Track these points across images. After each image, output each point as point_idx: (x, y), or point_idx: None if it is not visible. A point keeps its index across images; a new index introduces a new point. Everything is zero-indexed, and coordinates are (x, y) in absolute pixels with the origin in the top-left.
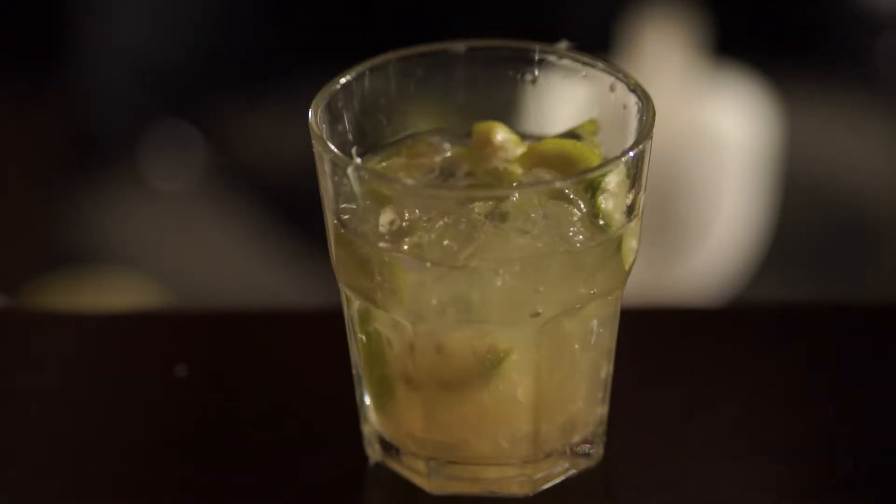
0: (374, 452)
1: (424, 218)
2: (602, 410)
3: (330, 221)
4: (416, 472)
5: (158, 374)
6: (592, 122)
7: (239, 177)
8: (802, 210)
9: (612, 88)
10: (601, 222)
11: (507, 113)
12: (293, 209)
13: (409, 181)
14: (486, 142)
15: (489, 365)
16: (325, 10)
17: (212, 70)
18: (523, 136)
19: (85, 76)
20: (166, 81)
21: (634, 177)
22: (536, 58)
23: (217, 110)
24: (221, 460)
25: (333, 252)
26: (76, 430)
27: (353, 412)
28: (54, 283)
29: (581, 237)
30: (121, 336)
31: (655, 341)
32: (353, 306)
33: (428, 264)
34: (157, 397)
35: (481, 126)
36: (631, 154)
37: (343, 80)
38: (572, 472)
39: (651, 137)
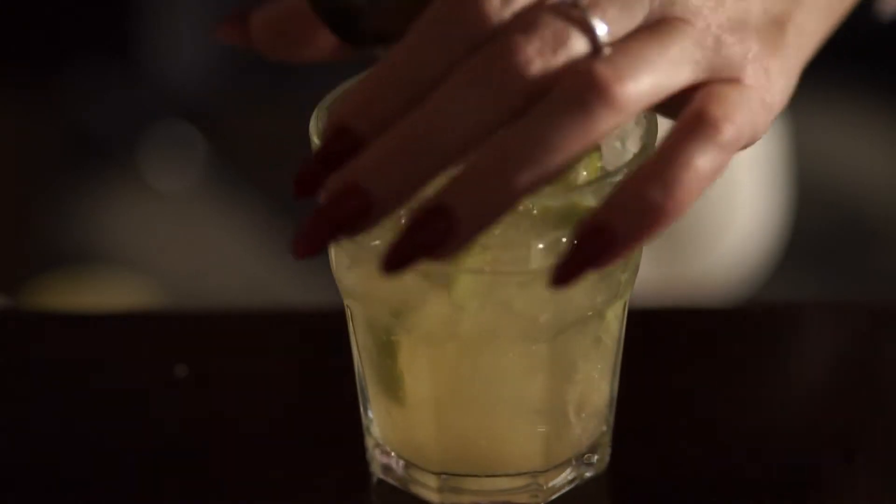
0: (377, 467)
1: None
2: (610, 416)
3: None
4: (424, 487)
5: (158, 374)
6: None
7: (239, 177)
8: (813, 212)
9: None
10: None
11: None
12: (293, 209)
13: None
14: None
15: (496, 377)
16: None
17: (212, 70)
18: None
19: (85, 76)
20: (166, 81)
21: None
22: None
23: (217, 110)
24: (220, 462)
25: (334, 261)
26: (75, 430)
27: (356, 416)
28: (54, 283)
29: None
30: (121, 336)
31: (661, 343)
32: (356, 317)
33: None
34: (157, 397)
35: None
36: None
37: (346, 89)
38: (582, 479)
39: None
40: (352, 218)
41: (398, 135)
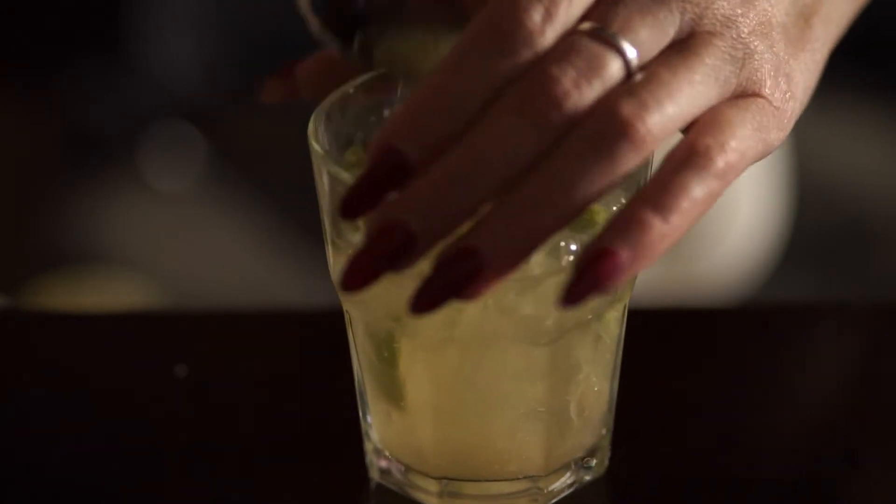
0: (376, 472)
1: None
2: (610, 419)
3: (329, 234)
4: (423, 491)
5: (158, 374)
6: None
7: (239, 177)
8: (813, 212)
9: None
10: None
11: None
12: (293, 209)
13: None
14: None
15: (496, 382)
16: None
17: (212, 70)
18: None
19: (85, 76)
20: (166, 81)
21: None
22: None
23: (217, 110)
24: (219, 463)
25: (332, 265)
26: (76, 430)
27: (355, 419)
28: (54, 283)
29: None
30: (121, 336)
31: (661, 343)
32: (355, 322)
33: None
34: (157, 397)
35: None
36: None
37: (343, 93)
38: (581, 483)
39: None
40: (396, 254)
41: (441, 174)
